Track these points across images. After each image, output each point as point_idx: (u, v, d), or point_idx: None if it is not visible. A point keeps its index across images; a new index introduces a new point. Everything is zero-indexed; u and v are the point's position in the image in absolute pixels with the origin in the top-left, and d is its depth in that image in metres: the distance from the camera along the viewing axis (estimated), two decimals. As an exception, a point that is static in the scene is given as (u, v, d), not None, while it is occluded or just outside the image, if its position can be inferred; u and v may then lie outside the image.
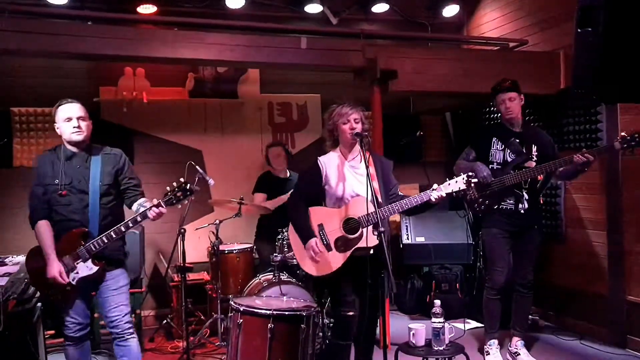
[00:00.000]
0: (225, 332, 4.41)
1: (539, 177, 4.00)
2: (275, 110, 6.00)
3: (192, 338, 4.54)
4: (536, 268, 4.24)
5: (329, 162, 3.39)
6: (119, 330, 3.17)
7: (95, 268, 3.09)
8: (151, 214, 3.01)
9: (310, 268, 3.28)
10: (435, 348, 3.40)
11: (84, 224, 3.12)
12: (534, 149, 4.03)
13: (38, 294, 3.63)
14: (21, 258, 3.71)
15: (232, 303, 3.30)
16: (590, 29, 1.93)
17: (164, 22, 5.08)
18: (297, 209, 3.37)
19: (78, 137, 3.15)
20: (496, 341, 4.17)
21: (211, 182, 3.91)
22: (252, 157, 5.80)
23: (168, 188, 3.05)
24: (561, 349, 4.51)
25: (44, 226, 3.13)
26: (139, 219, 3.05)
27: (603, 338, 4.58)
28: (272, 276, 4.25)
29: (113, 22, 4.55)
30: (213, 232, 4.74)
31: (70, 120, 3.13)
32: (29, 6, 4.56)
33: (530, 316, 4.68)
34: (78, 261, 3.07)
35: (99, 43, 4.05)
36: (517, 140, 4.04)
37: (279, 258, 4.31)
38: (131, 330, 3.20)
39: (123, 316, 3.17)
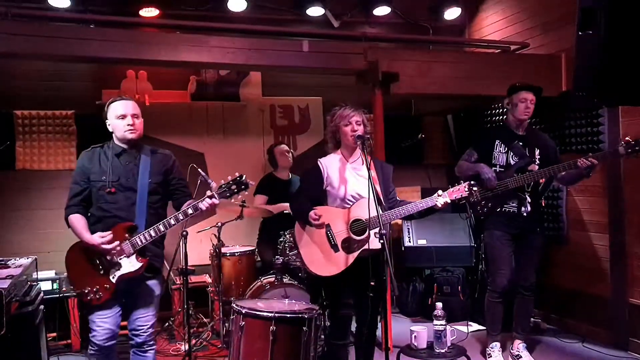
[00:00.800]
0: (227, 334, 4.41)
1: (541, 180, 4.01)
2: (277, 113, 6.01)
3: (194, 341, 4.54)
4: (538, 270, 4.24)
5: (330, 164, 3.40)
6: (141, 340, 3.09)
7: (139, 264, 2.96)
8: (204, 205, 2.93)
9: (316, 269, 3.28)
10: (437, 350, 3.41)
11: (130, 221, 3.00)
12: (537, 152, 4.04)
13: (41, 296, 3.65)
14: (24, 260, 3.71)
15: (234, 305, 3.29)
16: (591, 32, 1.93)
17: (166, 26, 5.10)
18: (300, 201, 3.38)
19: (132, 135, 3.07)
20: (498, 344, 4.17)
21: (213, 184, 3.90)
22: (254, 160, 5.81)
23: (223, 181, 2.99)
24: (563, 352, 4.50)
25: (76, 217, 3.02)
26: (190, 211, 2.95)
27: (605, 340, 4.57)
28: (274, 279, 4.25)
29: (115, 25, 4.57)
30: (215, 235, 4.75)
31: (124, 117, 3.05)
32: (31, 10, 4.58)
33: (532, 318, 4.68)
34: (122, 257, 2.95)
35: (102, 46, 4.06)
36: (521, 143, 4.05)
37: (280, 260, 4.31)
38: (152, 342, 3.14)
39: (148, 328, 3.10)
